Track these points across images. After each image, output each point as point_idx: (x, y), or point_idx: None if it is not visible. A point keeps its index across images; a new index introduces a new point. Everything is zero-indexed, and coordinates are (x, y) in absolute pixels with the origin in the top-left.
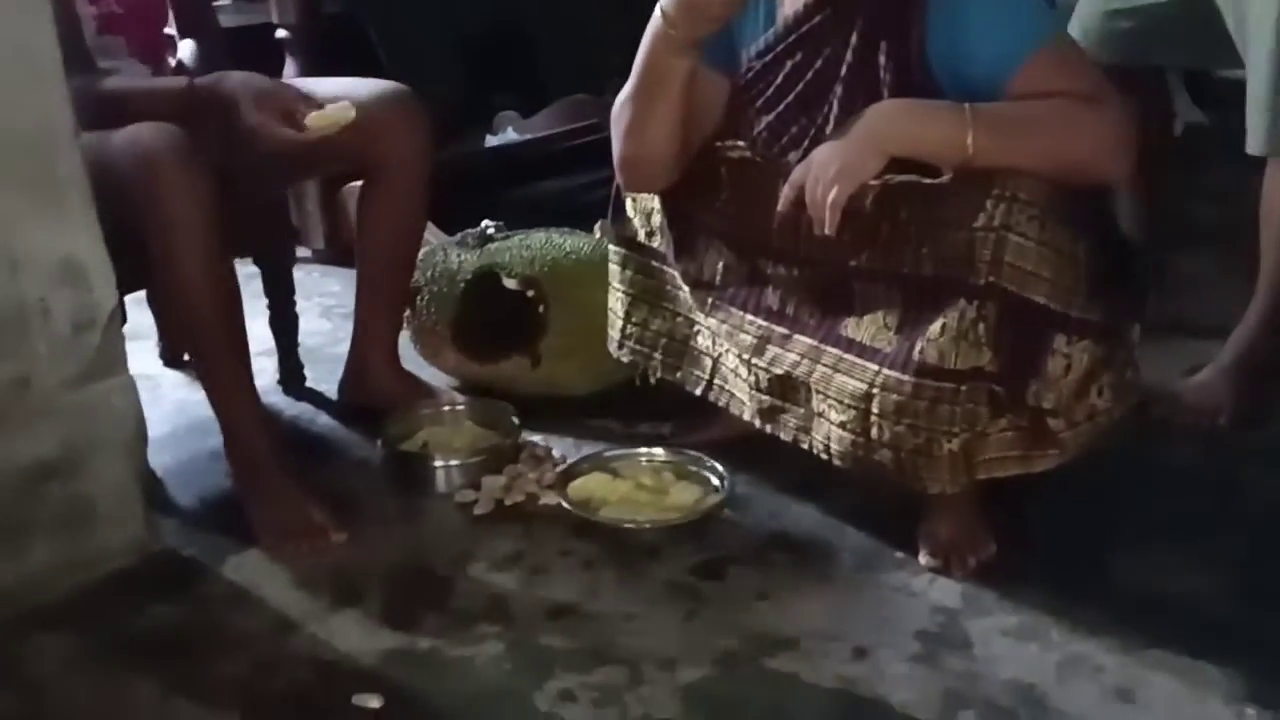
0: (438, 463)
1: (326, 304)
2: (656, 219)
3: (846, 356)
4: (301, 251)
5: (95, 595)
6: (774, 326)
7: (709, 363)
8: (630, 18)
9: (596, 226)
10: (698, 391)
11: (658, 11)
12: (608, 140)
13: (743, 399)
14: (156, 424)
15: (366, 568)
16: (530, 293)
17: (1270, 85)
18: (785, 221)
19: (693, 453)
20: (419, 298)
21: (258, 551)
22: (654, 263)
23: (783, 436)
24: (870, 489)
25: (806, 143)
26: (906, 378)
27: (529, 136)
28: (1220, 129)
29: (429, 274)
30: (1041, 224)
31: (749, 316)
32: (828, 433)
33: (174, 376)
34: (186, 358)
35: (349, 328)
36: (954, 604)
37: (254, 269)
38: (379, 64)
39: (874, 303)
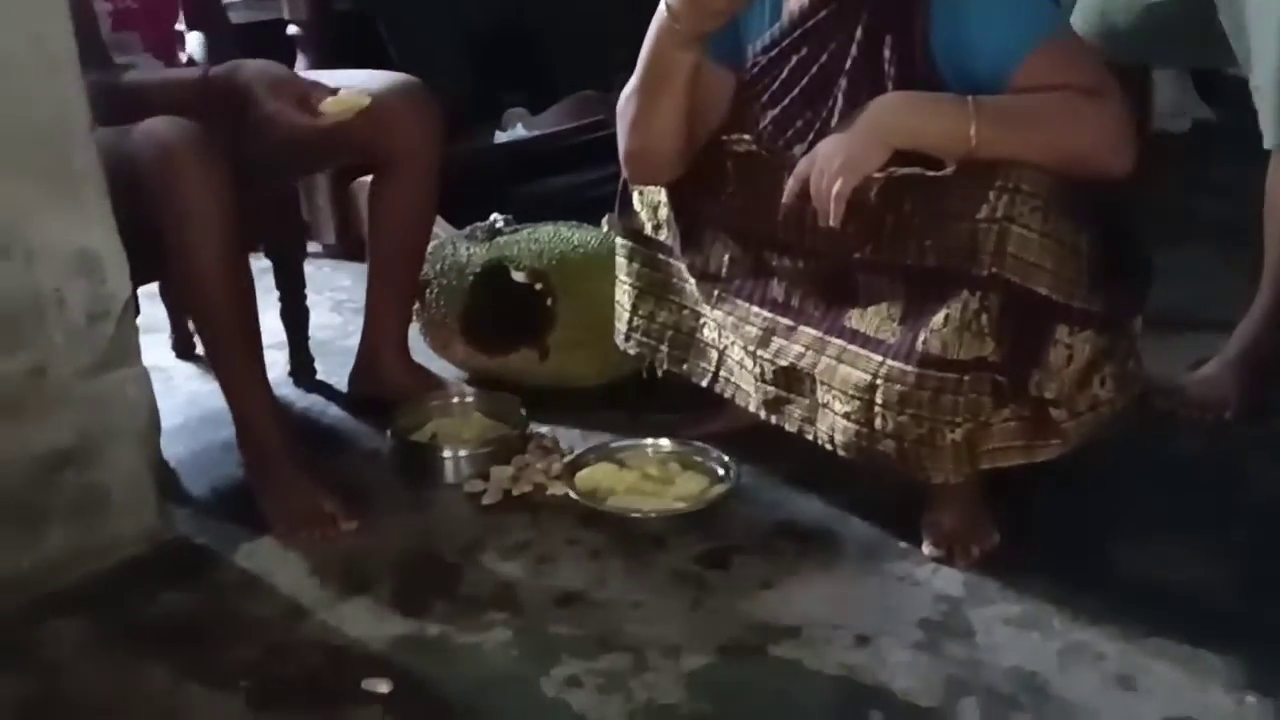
0: (446, 453)
1: (337, 298)
2: (663, 212)
3: (850, 347)
4: (312, 246)
5: (109, 582)
6: (779, 318)
7: (715, 354)
8: (638, 14)
9: (604, 220)
10: (704, 383)
11: (662, 6)
12: (615, 136)
13: (748, 390)
14: (169, 415)
15: (376, 556)
16: (538, 286)
17: (1272, 78)
18: (790, 214)
19: (699, 443)
20: (428, 291)
21: (269, 540)
22: (661, 255)
23: (788, 428)
24: (874, 479)
25: (811, 136)
26: (910, 368)
27: (537, 132)
28: (1228, 125)
29: (438, 267)
30: (1044, 215)
31: (754, 308)
32: (832, 423)
33: (187, 369)
34: (199, 350)
35: (359, 321)
36: (957, 593)
37: (266, 263)
38: (389, 61)
39: (878, 294)
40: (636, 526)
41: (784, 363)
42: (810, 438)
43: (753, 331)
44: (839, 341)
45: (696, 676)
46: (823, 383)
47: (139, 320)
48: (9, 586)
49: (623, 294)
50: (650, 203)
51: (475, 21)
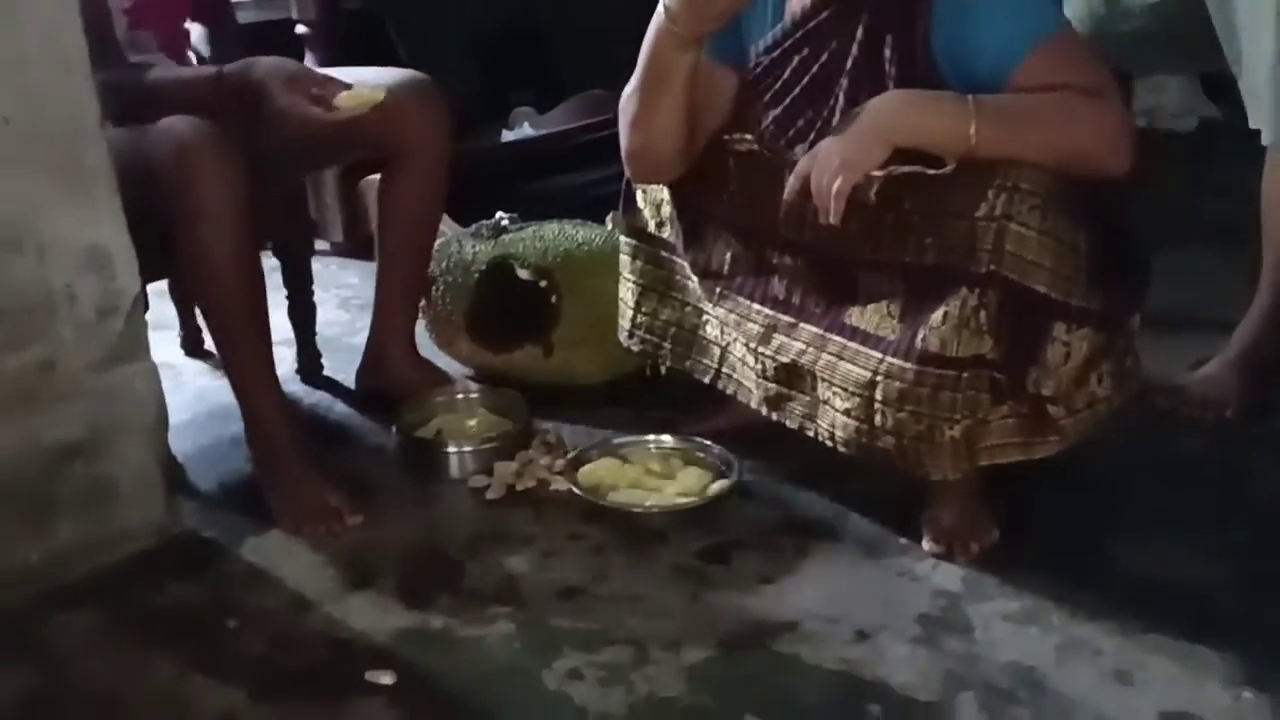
0: (451, 449)
1: (344, 295)
2: (666, 210)
3: (851, 344)
4: (320, 244)
5: (117, 574)
6: (780, 315)
7: (717, 351)
8: (645, 14)
9: (608, 218)
10: (706, 380)
11: (660, 7)
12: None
13: (750, 387)
14: (177, 411)
15: (381, 550)
16: (543, 283)
17: (1272, 74)
18: (791, 211)
19: (701, 440)
20: (434, 287)
21: (276, 533)
22: (664, 253)
23: (789, 424)
24: (875, 476)
25: (812, 136)
26: (909, 365)
27: (544, 131)
28: (1235, 125)
29: (444, 264)
30: (1042, 213)
31: (756, 306)
32: (832, 420)
33: (195, 365)
34: (207, 347)
35: (366, 319)
36: (956, 589)
37: (273, 261)
38: (398, 60)
39: (878, 291)
40: (638, 522)
41: (785, 360)
42: (811, 434)
43: (754, 329)
44: (839, 339)
45: (697, 670)
46: (823, 379)
47: (148, 317)
48: (18, 578)
49: (626, 291)
50: (653, 201)
51: (483, 21)
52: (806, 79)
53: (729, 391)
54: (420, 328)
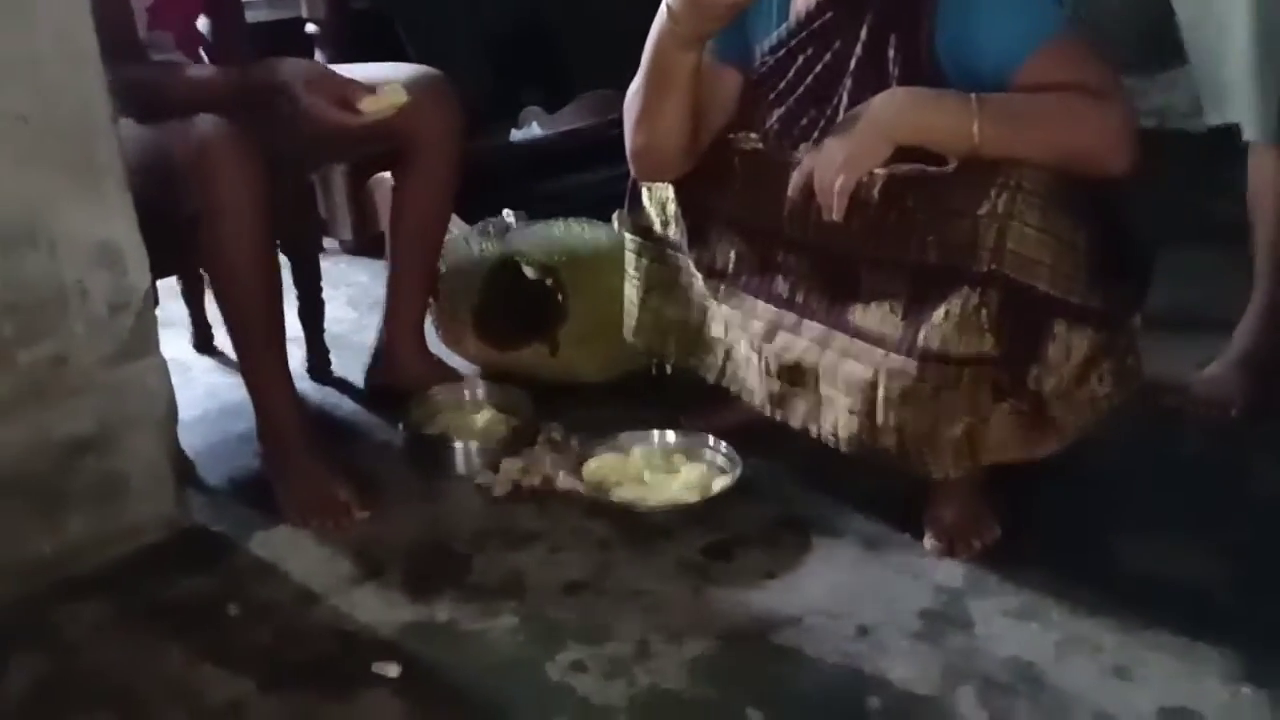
0: (458, 445)
1: (353, 293)
2: (671, 209)
3: (854, 343)
4: (329, 243)
5: (127, 567)
6: (784, 314)
7: (721, 350)
8: (653, 14)
9: (614, 217)
10: (710, 378)
11: (663, 7)
12: None
13: (753, 385)
14: (187, 407)
15: (388, 544)
16: (549, 281)
17: (1254, 69)
18: (795, 210)
19: (705, 437)
20: (441, 286)
21: (284, 528)
22: (669, 252)
23: (792, 422)
24: (877, 474)
25: (816, 135)
26: (911, 363)
27: (552, 131)
28: None
29: (451, 262)
30: (1044, 212)
31: (760, 304)
32: (835, 418)
33: (205, 362)
34: (217, 344)
35: (374, 317)
36: (957, 584)
37: (283, 259)
38: (407, 59)
39: (881, 290)
40: (642, 518)
41: (789, 358)
42: (814, 432)
43: (758, 327)
44: (842, 337)
45: (698, 663)
46: (826, 378)
47: (158, 313)
48: (31, 570)
49: (631, 290)
50: (659, 200)
51: (492, 21)
52: (811, 79)
53: (733, 390)
54: (427, 325)
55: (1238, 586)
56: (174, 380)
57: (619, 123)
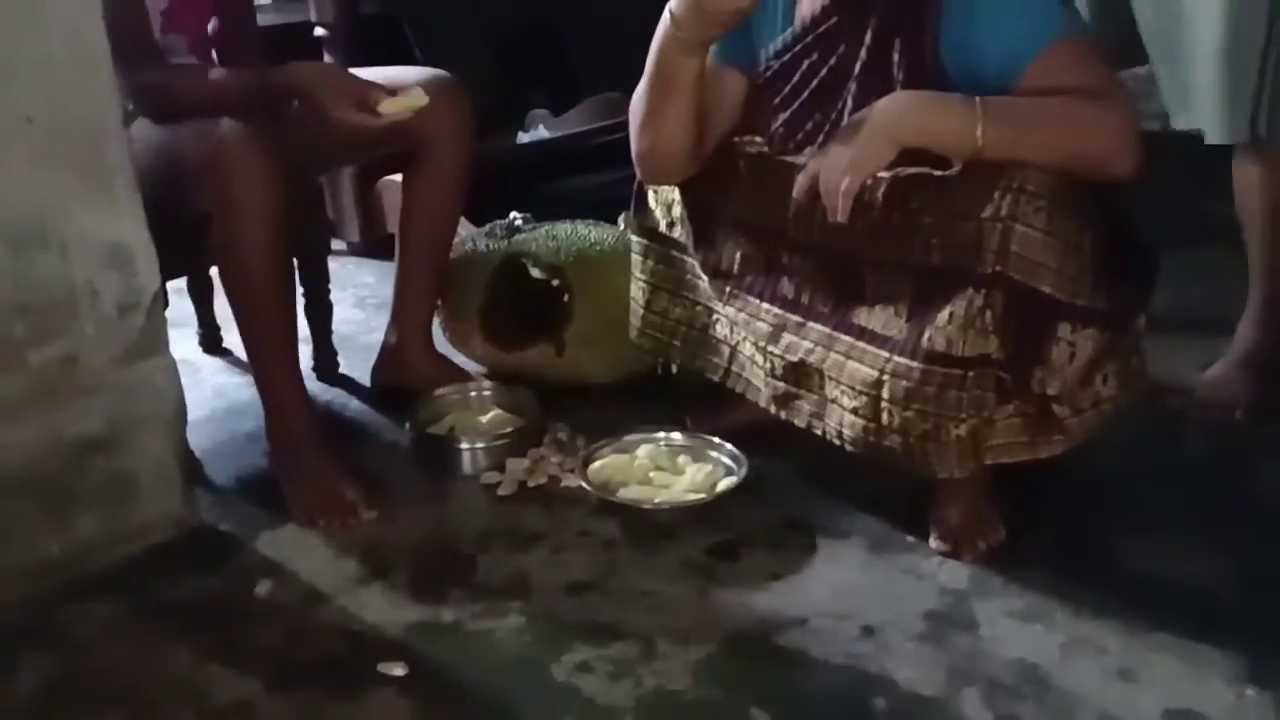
0: (464, 446)
1: (360, 294)
2: (677, 210)
3: (858, 344)
4: (337, 244)
5: (136, 565)
6: (789, 315)
7: (727, 350)
8: (659, 17)
9: (620, 218)
10: (716, 379)
11: (666, 12)
12: None
13: (759, 386)
14: (196, 407)
15: (394, 544)
16: (556, 282)
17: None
18: (800, 211)
19: (710, 437)
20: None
21: (291, 527)
22: (674, 253)
23: (797, 423)
24: (882, 475)
25: (821, 138)
26: (915, 364)
27: (559, 133)
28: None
29: (458, 263)
30: (1048, 215)
31: (765, 305)
32: (840, 419)
33: (213, 363)
34: (225, 345)
35: (382, 318)
36: (962, 586)
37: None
38: (415, 62)
39: (885, 291)
40: (648, 518)
41: (794, 358)
42: (819, 433)
43: (763, 328)
44: (847, 338)
45: (704, 664)
46: (831, 378)
47: (167, 314)
48: (40, 569)
49: (637, 290)
50: (664, 201)
51: (500, 24)
52: (815, 82)
53: (738, 390)
54: (435, 325)
55: (1242, 588)
56: (183, 380)
57: (624, 125)
